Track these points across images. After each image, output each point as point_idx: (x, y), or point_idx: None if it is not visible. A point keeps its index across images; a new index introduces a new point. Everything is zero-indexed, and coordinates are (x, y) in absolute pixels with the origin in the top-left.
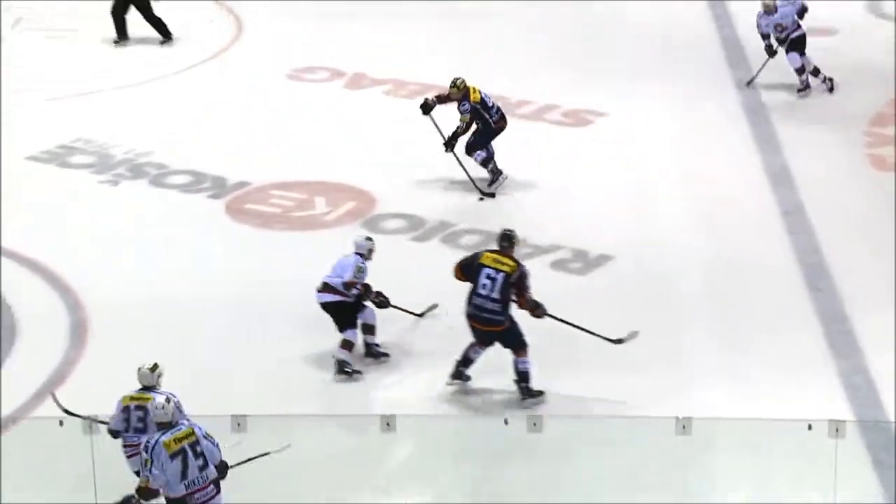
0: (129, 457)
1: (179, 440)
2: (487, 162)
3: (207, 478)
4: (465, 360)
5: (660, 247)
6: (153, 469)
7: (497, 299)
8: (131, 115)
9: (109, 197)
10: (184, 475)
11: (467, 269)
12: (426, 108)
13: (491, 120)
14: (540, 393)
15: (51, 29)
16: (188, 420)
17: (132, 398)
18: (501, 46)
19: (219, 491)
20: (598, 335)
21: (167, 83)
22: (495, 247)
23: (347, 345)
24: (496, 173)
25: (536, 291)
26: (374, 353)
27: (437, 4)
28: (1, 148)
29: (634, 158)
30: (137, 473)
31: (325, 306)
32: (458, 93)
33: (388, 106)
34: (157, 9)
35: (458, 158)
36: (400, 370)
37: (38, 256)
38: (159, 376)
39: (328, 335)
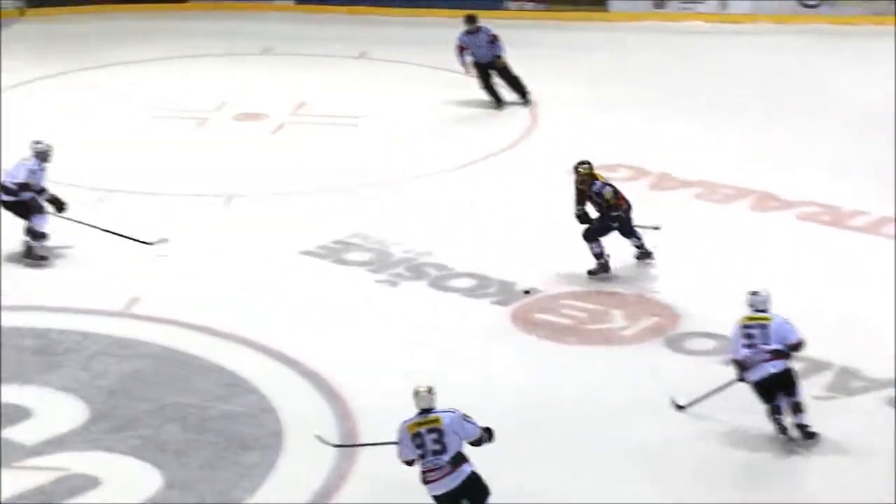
0: (430, 482)
1: None
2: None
3: None
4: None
5: None
6: None
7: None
8: (412, 209)
9: (386, 298)
10: None
11: None
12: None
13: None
14: None
15: (332, 115)
16: None
17: (418, 424)
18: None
19: None
20: None
21: (451, 176)
22: None
23: None
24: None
25: None
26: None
27: (756, 100)
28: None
29: None
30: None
31: None
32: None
33: (697, 211)
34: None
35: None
36: None
37: (306, 358)
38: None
39: (612, 458)
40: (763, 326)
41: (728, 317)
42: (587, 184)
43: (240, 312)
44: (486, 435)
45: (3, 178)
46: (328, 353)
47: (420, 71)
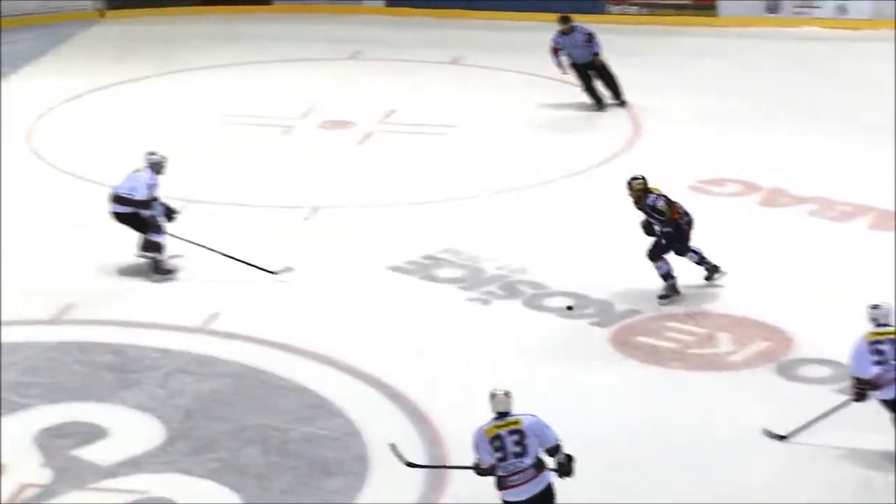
0: (510, 487)
1: None
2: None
3: None
4: None
5: None
6: None
7: None
8: (506, 223)
9: (478, 317)
10: None
11: None
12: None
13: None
14: None
15: (422, 124)
16: None
17: (497, 426)
18: None
19: None
20: None
21: (547, 188)
22: None
23: None
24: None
25: None
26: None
27: (876, 111)
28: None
29: None
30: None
31: None
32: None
33: (811, 229)
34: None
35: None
36: None
37: (393, 379)
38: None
39: (721, 493)
40: (894, 342)
41: (845, 342)
42: (642, 200)
43: (324, 330)
44: (566, 460)
45: (117, 190)
46: (416, 374)
47: (516, 77)
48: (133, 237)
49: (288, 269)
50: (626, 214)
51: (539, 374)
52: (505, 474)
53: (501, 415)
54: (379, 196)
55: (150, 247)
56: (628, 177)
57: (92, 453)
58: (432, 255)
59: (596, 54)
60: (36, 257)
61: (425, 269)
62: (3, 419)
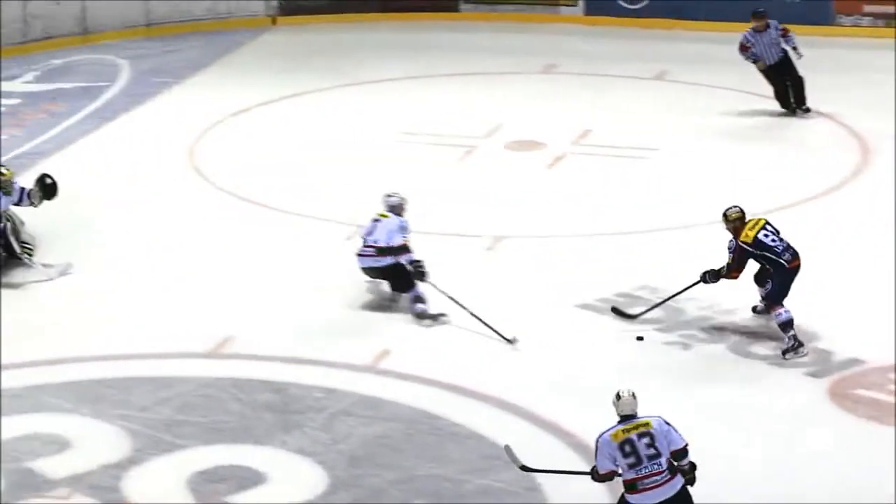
0: (645, 490)
1: None
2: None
3: None
4: None
5: None
6: None
7: None
8: (711, 258)
9: (676, 363)
10: None
11: None
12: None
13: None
14: None
15: (620, 146)
16: None
17: (625, 430)
18: None
19: None
20: None
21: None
22: None
23: None
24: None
25: None
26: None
27: None
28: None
29: None
30: None
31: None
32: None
33: None
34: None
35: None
36: None
37: (579, 429)
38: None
39: None
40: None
41: None
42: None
43: (503, 372)
44: (689, 468)
45: (375, 241)
46: (603, 425)
47: (727, 95)
48: (301, 263)
49: (514, 340)
50: (850, 252)
51: (745, 428)
52: (642, 476)
53: (628, 417)
54: (569, 225)
55: (417, 299)
56: (846, 207)
57: (248, 500)
58: (626, 293)
59: (794, 48)
60: (193, 284)
61: (619, 307)
62: (156, 460)
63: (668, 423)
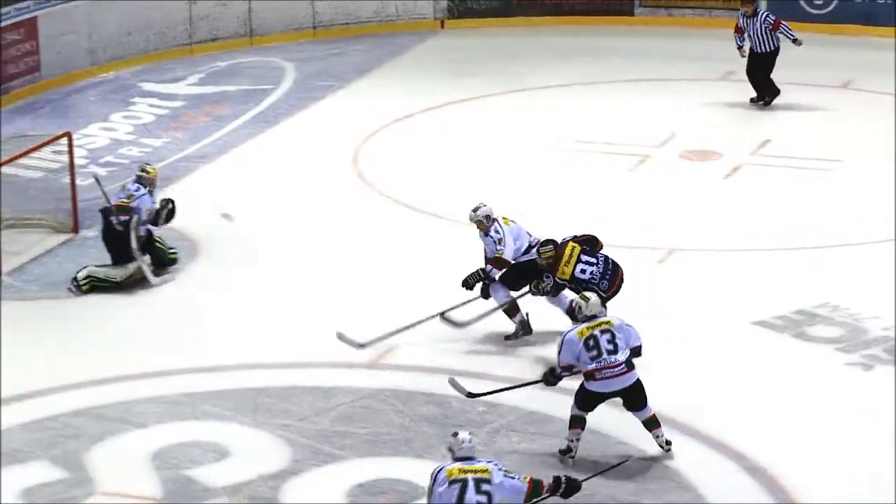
0: (600, 379)
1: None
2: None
3: None
4: None
5: None
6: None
7: None
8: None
9: (857, 385)
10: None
11: None
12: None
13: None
14: None
15: (801, 157)
16: None
17: (589, 328)
18: None
19: None
20: None
21: None
22: None
23: None
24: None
25: None
26: None
27: None
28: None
29: None
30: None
31: None
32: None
33: None
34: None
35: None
36: None
37: (752, 451)
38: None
39: None
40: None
41: None
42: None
43: (675, 392)
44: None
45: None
46: (780, 447)
47: None
48: (464, 274)
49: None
50: None
51: None
52: (598, 368)
53: (592, 317)
54: (746, 239)
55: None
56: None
57: None
58: (806, 310)
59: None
60: (356, 292)
61: (797, 325)
62: (315, 471)
63: (627, 324)
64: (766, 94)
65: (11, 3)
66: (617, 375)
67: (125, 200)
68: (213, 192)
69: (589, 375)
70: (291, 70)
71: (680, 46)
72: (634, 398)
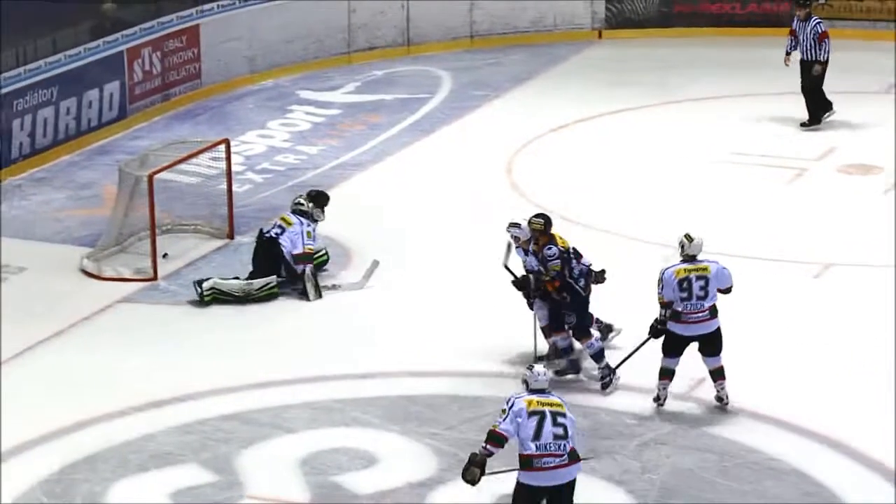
0: (687, 323)
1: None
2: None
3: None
4: None
5: None
6: None
7: None
8: None
9: None
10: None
11: None
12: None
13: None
14: None
15: None
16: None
17: (687, 270)
18: None
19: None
20: None
21: None
22: None
23: None
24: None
25: None
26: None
27: None
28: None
29: None
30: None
31: None
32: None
33: None
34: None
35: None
36: None
37: None
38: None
39: None
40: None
41: None
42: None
43: (827, 406)
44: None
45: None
46: None
47: None
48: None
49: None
50: None
51: None
52: (685, 311)
53: (692, 258)
54: None
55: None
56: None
57: None
58: None
59: (817, 60)
60: (503, 301)
61: None
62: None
63: (724, 268)
64: (816, 111)
65: (174, 11)
66: (700, 321)
67: (311, 246)
68: (368, 200)
69: (674, 316)
70: (448, 79)
71: (840, 58)
72: (711, 344)
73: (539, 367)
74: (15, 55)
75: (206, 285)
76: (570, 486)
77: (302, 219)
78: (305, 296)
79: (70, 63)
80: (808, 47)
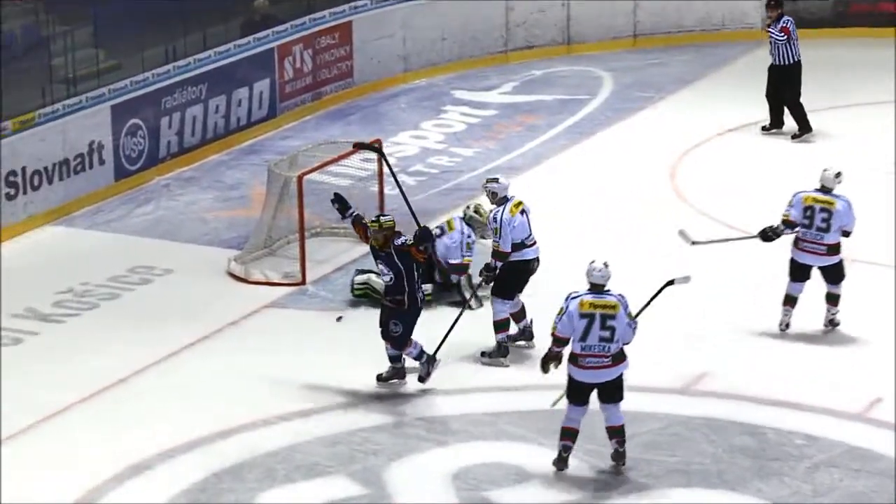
0: (804, 251)
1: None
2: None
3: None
4: None
5: None
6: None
7: None
8: None
9: None
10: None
11: None
12: None
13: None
14: None
15: None
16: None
17: (817, 200)
18: None
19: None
20: None
21: None
22: None
23: None
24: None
25: None
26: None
27: None
28: None
29: None
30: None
31: None
32: None
33: None
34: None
35: None
36: None
37: None
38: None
39: None
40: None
41: None
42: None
43: None
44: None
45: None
46: None
47: None
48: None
49: None
50: None
51: None
52: (803, 238)
53: (826, 190)
54: None
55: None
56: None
57: None
58: None
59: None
60: (669, 314)
61: None
62: (621, 500)
63: (851, 209)
64: (776, 119)
65: (326, 7)
66: (819, 254)
67: (469, 258)
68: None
69: (795, 242)
70: (609, 80)
71: None
72: (835, 273)
73: (598, 263)
74: (164, 52)
75: (359, 279)
76: (614, 383)
77: (466, 227)
78: (462, 305)
79: (220, 60)
80: (781, 53)
